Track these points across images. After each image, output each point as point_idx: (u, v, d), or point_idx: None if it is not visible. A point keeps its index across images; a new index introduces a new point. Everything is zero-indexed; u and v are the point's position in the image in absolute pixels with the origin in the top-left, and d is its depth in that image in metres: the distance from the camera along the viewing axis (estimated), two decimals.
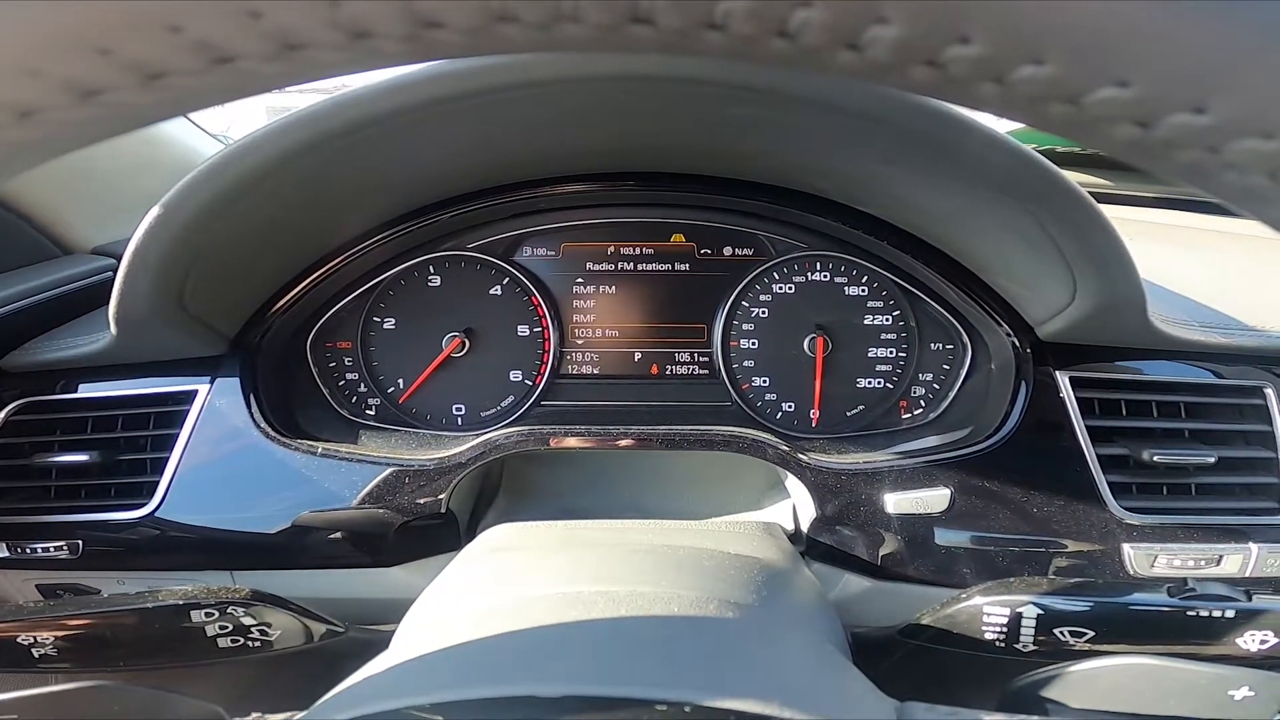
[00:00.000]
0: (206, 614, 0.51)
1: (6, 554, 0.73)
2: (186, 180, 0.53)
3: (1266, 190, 0.16)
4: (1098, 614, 0.48)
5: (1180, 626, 0.47)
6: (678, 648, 0.36)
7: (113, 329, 0.64)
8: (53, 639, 0.49)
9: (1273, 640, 0.47)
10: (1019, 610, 0.49)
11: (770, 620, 0.43)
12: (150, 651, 0.51)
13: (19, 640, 0.49)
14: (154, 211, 0.54)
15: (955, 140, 0.55)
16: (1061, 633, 0.49)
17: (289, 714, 0.35)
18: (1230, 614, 0.46)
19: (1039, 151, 0.56)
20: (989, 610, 0.50)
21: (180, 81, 0.18)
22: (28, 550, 0.73)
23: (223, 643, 0.52)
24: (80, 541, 0.72)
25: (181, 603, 0.50)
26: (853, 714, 0.31)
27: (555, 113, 0.63)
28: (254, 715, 0.36)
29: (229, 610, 0.51)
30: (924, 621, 0.53)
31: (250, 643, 0.52)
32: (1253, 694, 0.38)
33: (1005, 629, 0.50)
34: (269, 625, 0.53)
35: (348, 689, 0.36)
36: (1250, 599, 0.47)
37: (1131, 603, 0.48)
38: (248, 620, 0.52)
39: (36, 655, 0.49)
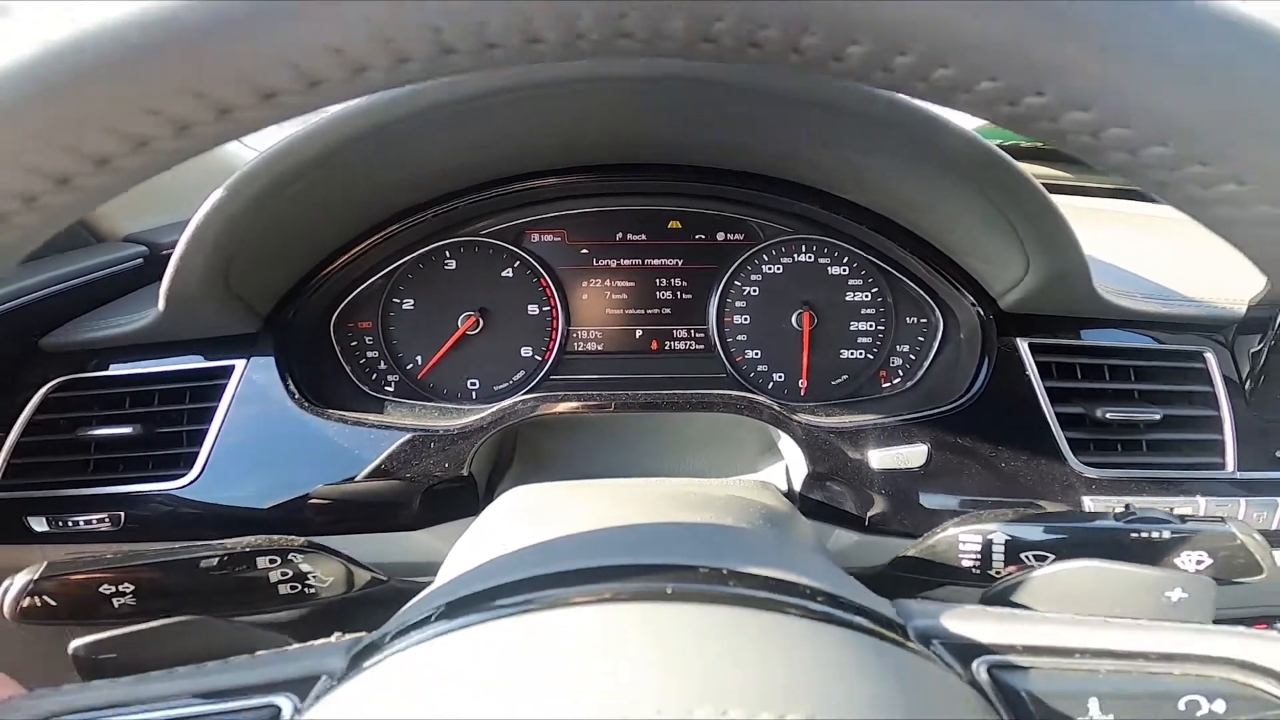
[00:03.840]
0: (270, 560, 0.56)
1: (46, 528, 0.77)
2: (250, 165, 0.59)
3: (1091, 145, 0.24)
4: (1057, 538, 0.55)
5: (1127, 547, 0.54)
6: (705, 538, 0.42)
7: (161, 305, 0.69)
8: (131, 589, 0.54)
9: (1207, 560, 0.55)
10: (990, 537, 0.56)
11: (775, 533, 0.50)
12: (219, 597, 0.56)
13: (101, 590, 0.53)
14: (217, 194, 0.60)
15: (927, 135, 0.63)
16: (1027, 556, 0.56)
17: (360, 634, 0.39)
18: (1167, 534, 0.54)
19: (1002, 146, 0.65)
20: (964, 539, 0.57)
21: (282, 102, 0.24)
22: (69, 524, 0.77)
23: (282, 589, 0.57)
24: (121, 513, 0.76)
25: (248, 550, 0.55)
26: (861, 599, 0.37)
27: (567, 110, 0.70)
28: (335, 635, 0.40)
29: (290, 557, 0.56)
30: (909, 554, 0.60)
31: (306, 589, 0.58)
32: (1186, 595, 0.46)
33: (979, 555, 0.57)
34: (321, 573, 0.58)
35: (414, 602, 0.42)
36: (1184, 522, 0.54)
37: (1084, 528, 0.55)
38: (305, 567, 0.57)
39: (116, 605, 0.54)
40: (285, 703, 0.35)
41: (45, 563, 0.54)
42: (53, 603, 0.54)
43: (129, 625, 0.48)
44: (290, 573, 0.57)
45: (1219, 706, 0.33)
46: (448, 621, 0.34)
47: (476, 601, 0.35)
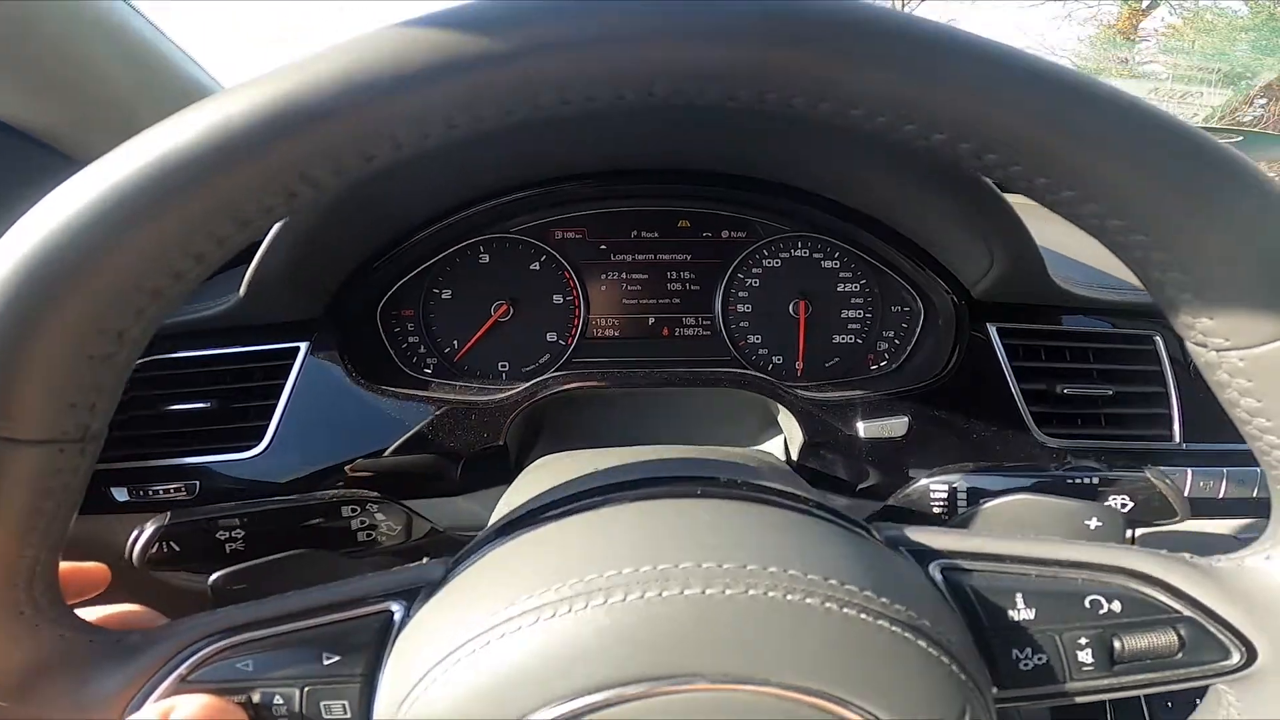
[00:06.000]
0: (352, 510, 0.66)
1: (127, 497, 0.84)
2: None
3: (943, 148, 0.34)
4: (1009, 484, 0.66)
5: (1064, 491, 0.65)
6: (724, 469, 0.53)
7: (243, 292, 0.79)
8: (242, 534, 0.63)
9: (1130, 503, 0.65)
10: (954, 485, 0.67)
11: (778, 475, 0.60)
12: (307, 541, 0.65)
13: (218, 535, 0.63)
14: None
15: (907, 148, 0.74)
16: (985, 501, 0.67)
17: (444, 558, 0.47)
18: (1095, 480, 0.64)
19: None
20: (934, 488, 0.68)
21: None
22: (148, 493, 0.83)
23: (360, 536, 0.67)
24: (196, 482, 0.83)
25: (334, 499, 0.65)
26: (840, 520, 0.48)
27: (593, 126, 0.80)
28: (425, 559, 0.48)
29: (367, 507, 0.66)
30: (888, 503, 0.71)
31: (380, 538, 0.68)
32: (1101, 524, 0.56)
33: (946, 502, 0.68)
34: (392, 522, 0.68)
35: (486, 529, 0.52)
36: (1110, 469, 0.65)
37: (1032, 474, 0.66)
38: (380, 516, 0.67)
39: (228, 550, 0.64)
40: (397, 606, 0.41)
41: (168, 513, 0.64)
42: (176, 547, 0.63)
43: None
44: (367, 521, 0.67)
45: (1116, 606, 0.41)
46: (518, 529, 0.44)
47: (541, 511, 0.45)
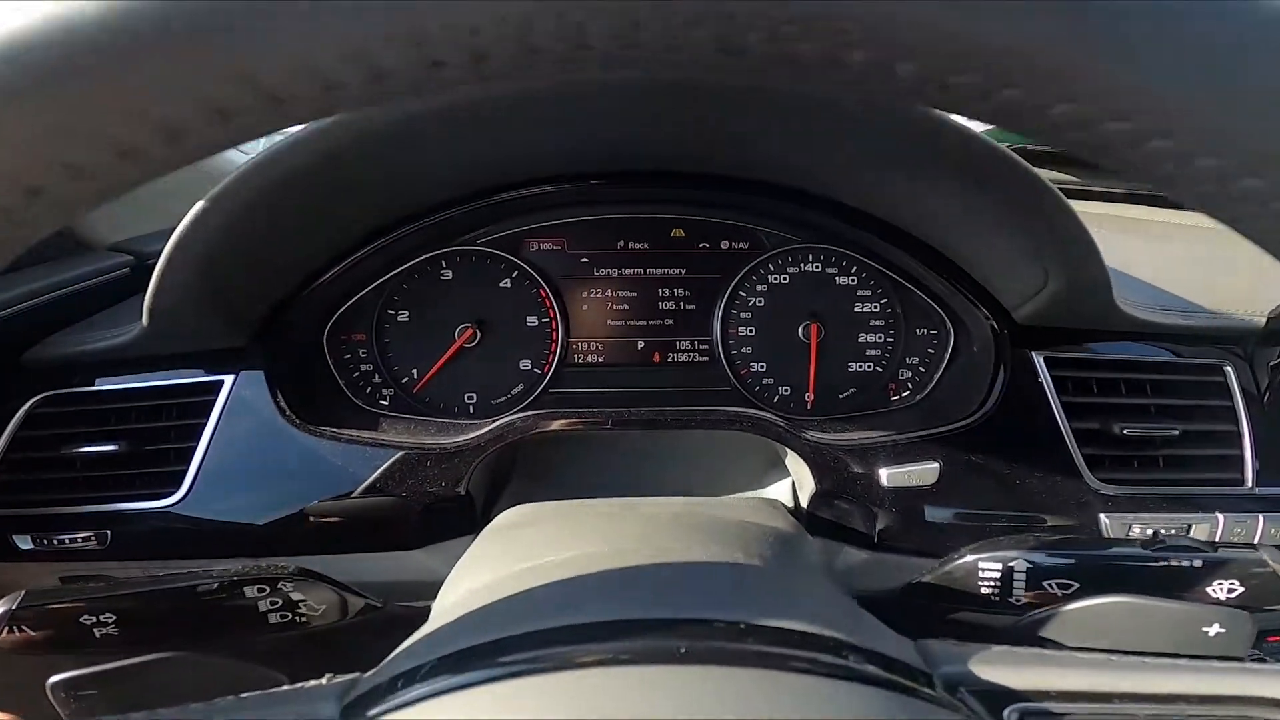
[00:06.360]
0: (259, 589, 0.54)
1: (31, 546, 0.75)
2: (238, 173, 0.57)
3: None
4: (1081, 566, 0.53)
5: (1155, 577, 0.52)
6: (717, 581, 0.40)
7: (145, 320, 0.67)
8: (114, 618, 0.51)
9: (1239, 589, 0.53)
10: (1010, 565, 0.54)
11: (787, 570, 0.47)
12: (205, 628, 0.53)
13: (82, 620, 0.51)
14: (202, 203, 0.57)
15: (939, 142, 0.61)
16: (1050, 585, 0.54)
17: (354, 675, 0.37)
18: (1199, 564, 0.51)
19: (1012, 150, 0.62)
20: (984, 566, 0.55)
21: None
22: (54, 542, 0.74)
23: (272, 618, 0.55)
24: (108, 531, 0.74)
25: (236, 579, 0.53)
26: (879, 645, 0.35)
27: (566, 117, 0.67)
28: (326, 676, 0.38)
29: (279, 586, 0.54)
30: (925, 580, 0.58)
31: (298, 618, 0.55)
32: (1224, 631, 0.44)
33: (999, 583, 0.55)
34: (314, 601, 0.56)
35: (410, 646, 0.39)
36: (1216, 550, 0.52)
37: (1111, 555, 0.53)
38: (296, 596, 0.55)
39: (98, 635, 0.52)
40: None
41: (22, 592, 0.52)
42: (32, 633, 0.52)
43: (111, 657, 0.46)
44: (280, 601, 0.55)
45: None
46: (447, 678, 0.32)
47: (477, 657, 0.33)
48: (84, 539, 0.75)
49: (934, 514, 0.75)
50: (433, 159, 0.69)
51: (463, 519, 0.76)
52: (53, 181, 0.21)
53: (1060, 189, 0.64)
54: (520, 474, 0.87)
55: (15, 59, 0.18)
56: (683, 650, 0.29)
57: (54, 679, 0.43)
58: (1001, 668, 0.35)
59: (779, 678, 0.29)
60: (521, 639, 0.33)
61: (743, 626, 0.32)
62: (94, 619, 0.52)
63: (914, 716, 0.29)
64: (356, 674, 0.38)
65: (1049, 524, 0.75)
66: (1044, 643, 0.47)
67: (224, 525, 0.73)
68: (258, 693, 0.36)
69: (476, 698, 0.29)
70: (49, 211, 0.22)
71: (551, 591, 0.40)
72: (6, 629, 0.51)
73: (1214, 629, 0.42)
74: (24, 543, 0.75)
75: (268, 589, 0.54)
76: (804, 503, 0.78)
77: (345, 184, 0.66)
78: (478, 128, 0.65)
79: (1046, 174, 0.64)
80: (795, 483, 0.81)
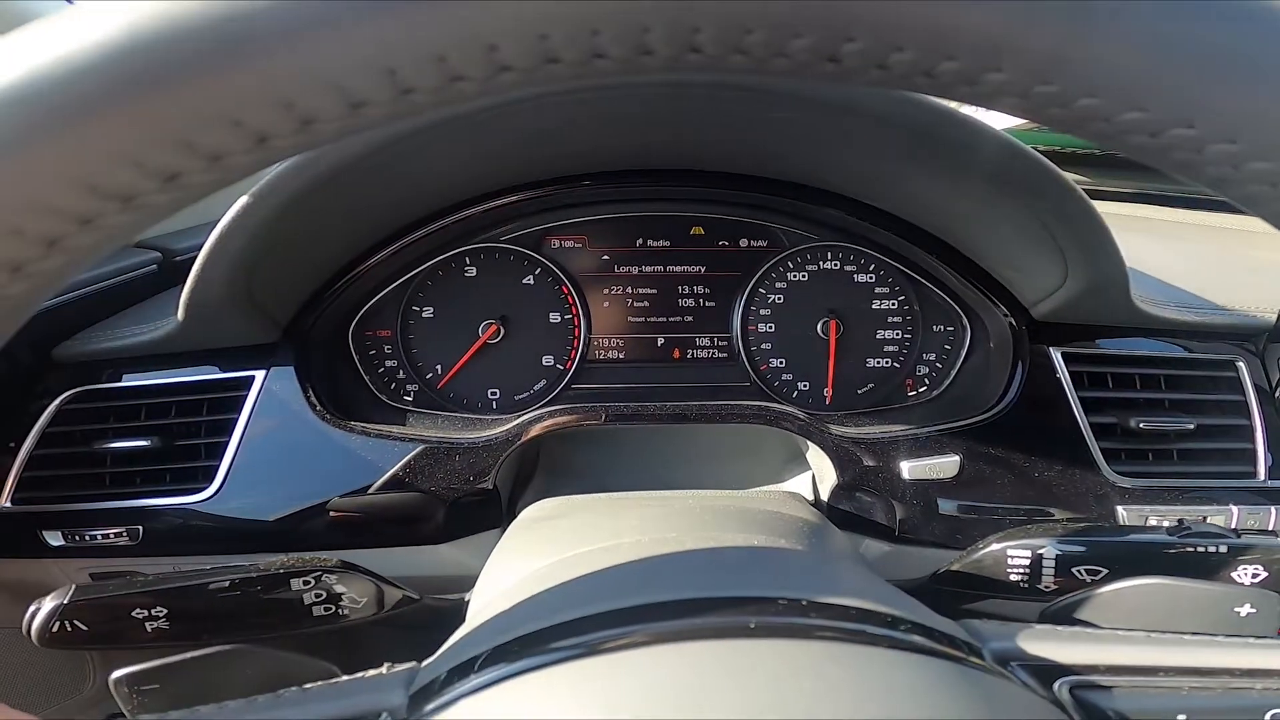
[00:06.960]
0: (304, 582, 0.54)
1: (62, 542, 0.75)
2: (279, 171, 0.57)
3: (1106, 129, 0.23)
4: (1109, 552, 0.54)
5: (1182, 562, 0.53)
6: (769, 564, 0.41)
7: (181, 315, 0.68)
8: (164, 611, 0.52)
9: (1263, 574, 0.54)
10: (1039, 552, 0.55)
11: (828, 555, 0.48)
12: (253, 620, 0.54)
13: (134, 614, 0.52)
14: (242, 201, 0.58)
15: (960, 140, 0.62)
16: (1079, 571, 0.55)
17: (412, 664, 0.38)
18: (1224, 549, 0.53)
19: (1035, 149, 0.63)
20: (1013, 553, 0.56)
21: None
22: (85, 537, 0.75)
23: (316, 611, 0.55)
24: (139, 527, 0.74)
25: (282, 571, 0.54)
26: (929, 623, 0.36)
27: (588, 116, 0.68)
28: (385, 666, 0.38)
29: (323, 578, 0.55)
30: (954, 568, 0.59)
31: (340, 611, 0.56)
32: (1255, 610, 0.45)
33: (1028, 570, 0.56)
34: (355, 594, 0.57)
35: (472, 632, 0.40)
36: (1240, 536, 0.53)
37: (1138, 541, 0.54)
38: (339, 588, 0.55)
39: (150, 630, 0.52)
40: None
41: (73, 586, 0.52)
42: (83, 627, 0.52)
43: (165, 651, 0.46)
44: (324, 594, 0.56)
45: None
46: (527, 659, 0.32)
47: (552, 638, 0.34)
48: (115, 534, 0.75)
49: (954, 506, 0.76)
50: (457, 158, 0.70)
51: (489, 513, 0.77)
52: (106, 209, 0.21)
53: None
54: (543, 469, 0.88)
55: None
56: (753, 625, 0.30)
57: (117, 674, 0.44)
58: (1049, 643, 0.36)
59: (846, 649, 0.30)
60: (596, 619, 0.34)
61: (804, 603, 0.33)
62: (145, 613, 0.52)
63: (971, 686, 0.30)
64: (413, 663, 0.38)
65: (1067, 516, 0.76)
66: (1079, 624, 0.48)
67: (254, 520, 0.74)
68: (321, 684, 0.37)
69: (554, 677, 0.30)
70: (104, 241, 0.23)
71: (610, 575, 0.41)
72: (59, 621, 0.52)
73: (1245, 609, 0.44)
74: (54, 539, 0.75)
75: (313, 581, 0.55)
76: (824, 496, 0.79)
77: (373, 184, 0.67)
78: (501, 127, 0.65)
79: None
80: (815, 476, 0.82)
